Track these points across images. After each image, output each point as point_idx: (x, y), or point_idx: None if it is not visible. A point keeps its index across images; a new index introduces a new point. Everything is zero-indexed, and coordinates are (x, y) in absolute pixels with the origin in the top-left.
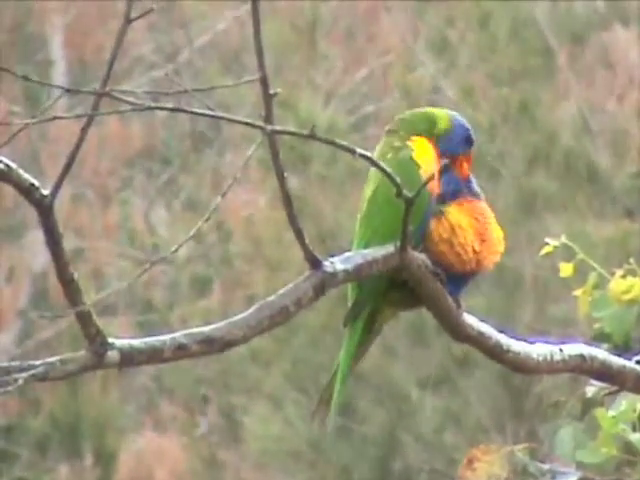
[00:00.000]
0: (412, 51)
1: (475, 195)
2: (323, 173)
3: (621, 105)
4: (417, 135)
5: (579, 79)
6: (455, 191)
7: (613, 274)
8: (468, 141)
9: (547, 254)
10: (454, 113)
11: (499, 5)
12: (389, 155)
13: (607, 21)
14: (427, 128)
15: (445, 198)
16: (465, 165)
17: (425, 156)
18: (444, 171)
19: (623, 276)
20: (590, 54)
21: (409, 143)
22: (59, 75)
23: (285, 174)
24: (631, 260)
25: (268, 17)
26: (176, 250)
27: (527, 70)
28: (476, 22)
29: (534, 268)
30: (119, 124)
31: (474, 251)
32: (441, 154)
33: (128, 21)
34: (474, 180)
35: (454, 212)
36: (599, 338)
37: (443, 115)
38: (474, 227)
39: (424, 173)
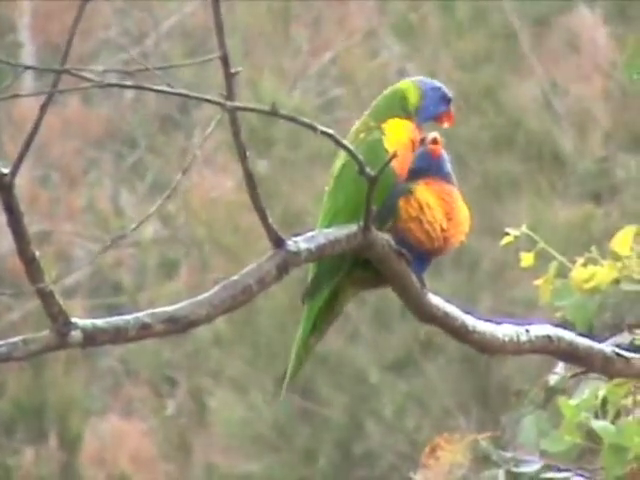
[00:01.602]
0: (377, 35)
1: (444, 176)
2: (286, 156)
3: (586, 88)
4: (393, 117)
5: (543, 62)
6: (423, 169)
7: (574, 263)
8: (444, 99)
9: (507, 244)
10: (420, 78)
11: None
12: (362, 135)
13: (571, 3)
14: (400, 107)
15: (413, 174)
16: (437, 147)
17: (397, 140)
18: (415, 146)
19: (584, 264)
20: (554, 37)
21: (383, 126)
22: (28, 57)
23: (247, 153)
24: (592, 248)
25: (240, 1)
26: (136, 227)
27: (491, 54)
28: (440, 6)
29: (497, 252)
30: (83, 106)
31: (442, 229)
32: (423, 122)
33: None
34: (447, 158)
35: (422, 191)
36: (562, 325)
37: (410, 86)
38: (441, 206)
39: (391, 153)
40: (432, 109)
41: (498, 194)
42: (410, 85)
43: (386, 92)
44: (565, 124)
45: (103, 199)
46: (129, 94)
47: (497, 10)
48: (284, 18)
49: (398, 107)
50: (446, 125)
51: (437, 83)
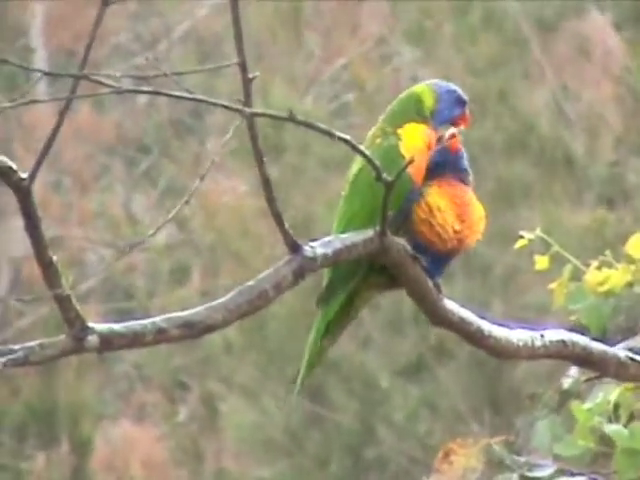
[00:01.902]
0: (389, 41)
1: (460, 174)
2: (296, 163)
3: (597, 92)
4: (409, 121)
5: (555, 67)
6: (440, 165)
7: (588, 266)
8: (459, 101)
9: (522, 247)
10: (435, 81)
11: None
12: (378, 140)
13: (582, 8)
14: (416, 112)
15: (430, 172)
16: (455, 141)
17: (413, 145)
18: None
19: (598, 268)
20: (566, 41)
21: (399, 131)
22: (40, 62)
23: (264, 158)
24: (607, 252)
25: (250, 6)
26: (154, 234)
27: (503, 59)
28: (452, 12)
29: (510, 257)
30: (95, 111)
31: (454, 231)
32: (439, 126)
33: (105, 4)
34: (465, 155)
35: (433, 194)
36: (576, 330)
37: (425, 90)
38: (453, 208)
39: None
40: (447, 112)
41: (510, 199)
42: (425, 89)
43: (401, 96)
44: (577, 129)
45: (115, 204)
46: (142, 99)
47: (509, 15)
48: (295, 23)
49: (414, 111)
50: (462, 127)
51: (452, 86)
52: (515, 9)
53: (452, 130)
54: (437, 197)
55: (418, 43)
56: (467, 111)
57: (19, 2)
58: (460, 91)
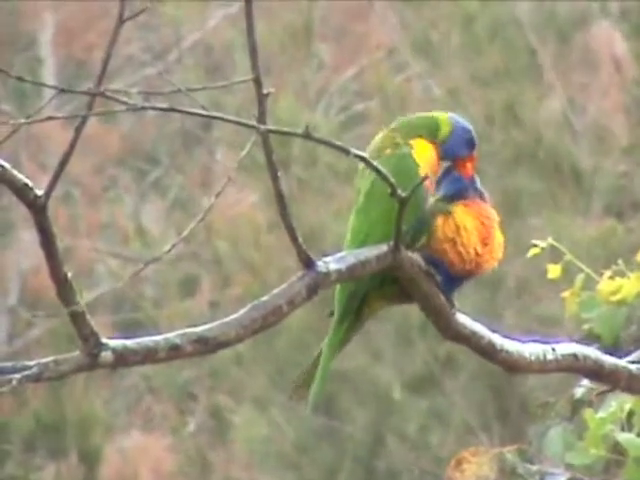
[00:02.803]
0: (397, 52)
1: (481, 196)
2: (303, 176)
3: (605, 103)
4: (418, 137)
5: (563, 78)
6: (461, 189)
7: (601, 275)
8: (470, 143)
9: (534, 256)
10: (455, 116)
11: (481, 5)
12: (387, 150)
13: (590, 19)
14: (429, 132)
15: (451, 197)
16: (469, 166)
17: (424, 157)
18: (447, 173)
19: (611, 277)
20: (573, 53)
21: (411, 142)
22: (49, 74)
23: (279, 173)
24: (619, 261)
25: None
26: (170, 250)
27: (511, 70)
28: (459, 23)
29: (519, 269)
30: (103, 123)
31: (476, 253)
32: (443, 157)
33: (122, 21)
34: (478, 181)
35: (460, 212)
36: (588, 339)
37: (445, 119)
38: (479, 230)
39: (422, 172)
40: (455, 149)
41: (519, 210)
42: (445, 118)
43: (421, 114)
44: (585, 140)
45: (124, 216)
46: (151, 111)
47: (516, 26)
48: (305, 35)
49: (427, 131)
50: (465, 169)
51: (469, 126)
52: (523, 20)
53: (448, 164)
54: (464, 216)
55: (426, 55)
56: (474, 155)
57: (29, 13)
58: (474, 134)
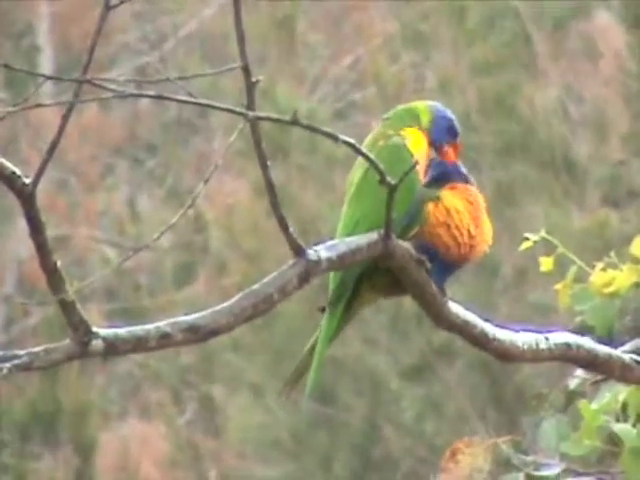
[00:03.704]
0: (392, 41)
1: (465, 179)
2: (303, 163)
3: (602, 93)
4: (410, 127)
5: (560, 67)
6: (444, 173)
7: (593, 267)
8: (451, 131)
9: (526, 249)
10: (435, 104)
11: None
12: (381, 142)
13: (588, 7)
14: (415, 122)
15: (437, 183)
16: (451, 152)
17: (418, 145)
18: (428, 160)
19: (604, 269)
20: (571, 41)
21: (402, 133)
22: (46, 62)
23: (268, 162)
24: (612, 253)
25: (251, 7)
26: (158, 237)
27: (507, 59)
28: (454, 12)
29: (513, 258)
30: (100, 112)
31: (470, 235)
32: (431, 145)
33: (108, 8)
34: (462, 166)
35: (449, 196)
36: (581, 331)
37: (424, 108)
38: (469, 210)
39: (414, 160)
40: (438, 134)
41: (513, 200)
42: (424, 107)
43: (401, 107)
44: (581, 129)
45: (121, 204)
46: (147, 99)
47: (513, 15)
48: (291, 23)
49: (413, 121)
50: (447, 155)
51: (450, 114)
52: (520, 8)
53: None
54: (453, 199)
55: (420, 44)
56: (458, 142)
57: (26, 1)
58: (455, 122)
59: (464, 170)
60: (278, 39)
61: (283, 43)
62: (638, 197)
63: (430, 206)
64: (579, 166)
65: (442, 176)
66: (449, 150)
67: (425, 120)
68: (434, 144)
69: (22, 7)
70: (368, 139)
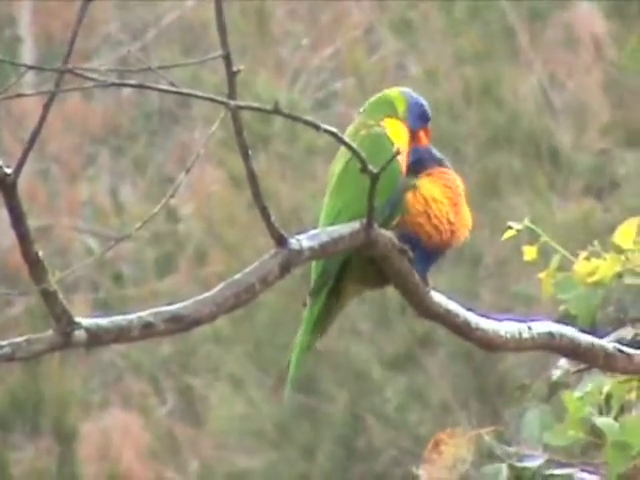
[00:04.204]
0: (375, 31)
1: (440, 163)
2: (283, 152)
3: (584, 82)
4: (387, 117)
5: (542, 57)
6: (419, 159)
7: (577, 256)
8: (423, 116)
9: (509, 238)
10: (407, 90)
11: None
12: (362, 132)
13: None
14: (392, 110)
15: (413, 170)
16: (422, 136)
17: (399, 135)
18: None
19: (587, 258)
20: (552, 31)
21: (382, 123)
22: (27, 52)
23: (250, 151)
24: (595, 242)
25: None
26: (140, 227)
27: (490, 49)
28: (438, 2)
29: (496, 248)
30: (82, 101)
31: (449, 222)
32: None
33: None
34: (433, 149)
35: (426, 184)
36: (564, 320)
37: (397, 95)
38: (447, 196)
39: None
40: (412, 121)
41: (497, 190)
42: (397, 94)
43: (375, 97)
44: (563, 119)
45: (103, 194)
46: (129, 89)
47: (495, 5)
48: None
49: (389, 111)
50: (419, 140)
51: (421, 100)
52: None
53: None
54: (430, 186)
55: (403, 34)
56: (429, 127)
57: None
58: (427, 107)
59: (438, 153)
60: (256, 29)
61: (261, 33)
62: (620, 187)
63: (409, 195)
64: (562, 156)
65: (418, 162)
66: (422, 135)
67: (401, 108)
68: (411, 131)
69: None
70: (349, 130)
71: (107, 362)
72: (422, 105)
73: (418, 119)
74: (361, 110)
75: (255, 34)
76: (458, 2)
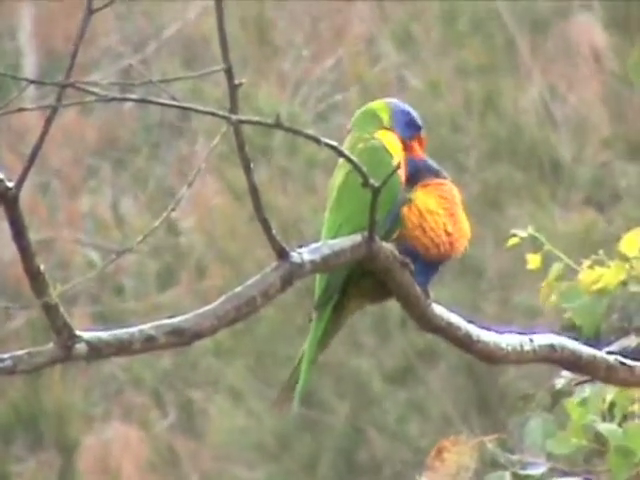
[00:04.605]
0: (376, 43)
1: (437, 174)
2: (284, 165)
3: (585, 94)
4: (379, 129)
5: (542, 69)
6: (415, 172)
7: (581, 264)
8: (412, 124)
9: (513, 246)
10: (391, 100)
11: None
12: (360, 145)
13: (570, 9)
14: (377, 123)
15: (410, 182)
16: (416, 147)
17: (394, 146)
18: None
19: (591, 266)
20: (553, 43)
21: (376, 135)
22: (29, 66)
23: (251, 165)
24: (600, 251)
25: (231, 9)
26: (143, 240)
27: (491, 62)
28: (439, 15)
29: (498, 259)
30: (82, 115)
31: (447, 233)
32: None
33: (90, 12)
34: (429, 159)
35: (421, 196)
36: (568, 329)
37: (381, 106)
38: (443, 207)
39: (395, 161)
40: (399, 131)
41: (498, 202)
42: (381, 105)
43: (358, 112)
44: (564, 131)
45: (104, 207)
46: (131, 102)
47: (496, 17)
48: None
49: (375, 123)
50: (413, 151)
51: (408, 108)
52: (503, 10)
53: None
54: (425, 198)
55: (405, 46)
56: (422, 136)
57: (7, 4)
58: (415, 115)
59: (434, 164)
60: (257, 41)
61: (262, 45)
62: (622, 198)
63: (405, 209)
64: (563, 168)
65: (414, 174)
66: (414, 145)
67: (385, 118)
68: (402, 140)
69: (4, 11)
70: (344, 145)
71: (108, 375)
72: (408, 113)
73: (406, 127)
74: (348, 127)
75: (256, 46)
76: (459, 14)
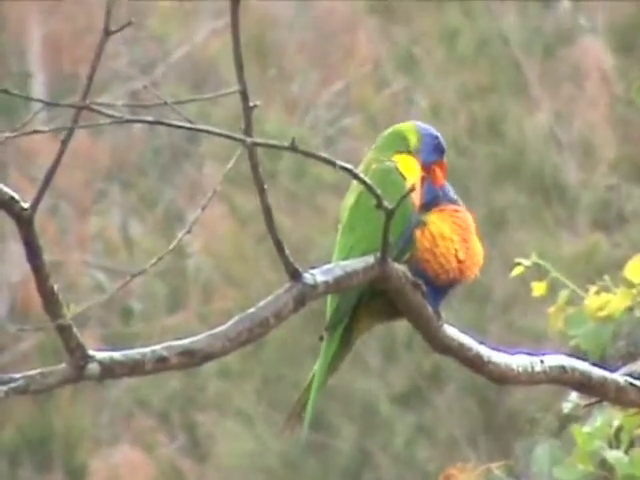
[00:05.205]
0: (381, 67)
1: (454, 202)
2: (292, 188)
3: (591, 118)
4: (399, 153)
5: (548, 92)
6: (433, 198)
7: (586, 290)
8: (438, 149)
9: (518, 275)
10: (420, 123)
11: (467, 20)
12: (373, 166)
13: (576, 34)
14: (404, 145)
15: (426, 207)
16: (439, 173)
17: (410, 170)
18: (422, 182)
19: (597, 292)
20: (559, 67)
21: (393, 159)
22: (38, 87)
23: (265, 186)
24: (605, 277)
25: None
26: (156, 262)
27: (496, 85)
28: (444, 38)
29: (504, 283)
30: (91, 137)
31: (458, 260)
32: (422, 167)
33: (107, 33)
34: (450, 188)
35: (435, 220)
36: (575, 355)
37: (411, 128)
38: (457, 233)
39: (408, 184)
40: (426, 156)
41: (504, 226)
42: (410, 127)
43: (386, 132)
44: (570, 154)
45: (113, 229)
46: (139, 124)
47: (502, 41)
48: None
49: (401, 145)
50: (436, 176)
51: (435, 132)
52: (508, 34)
53: (423, 175)
54: (440, 223)
55: (409, 69)
56: (445, 160)
57: (17, 26)
58: (441, 138)
59: (452, 192)
60: (263, 64)
61: (268, 68)
62: (628, 222)
63: (417, 233)
64: (569, 191)
65: (432, 201)
66: (437, 171)
67: (414, 141)
68: (424, 165)
69: (13, 33)
70: (361, 167)
71: (116, 398)
72: (437, 137)
73: (432, 152)
74: (373, 146)
75: (262, 69)
76: (463, 37)
